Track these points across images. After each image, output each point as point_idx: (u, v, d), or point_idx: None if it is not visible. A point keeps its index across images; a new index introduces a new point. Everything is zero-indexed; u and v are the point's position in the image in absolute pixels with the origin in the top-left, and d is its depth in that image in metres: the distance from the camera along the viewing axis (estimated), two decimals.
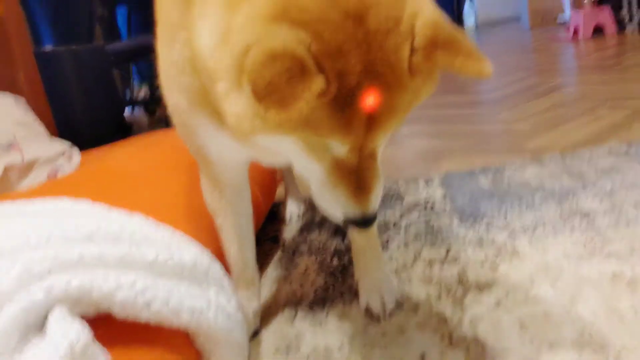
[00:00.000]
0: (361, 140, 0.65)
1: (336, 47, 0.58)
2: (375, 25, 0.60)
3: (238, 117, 0.61)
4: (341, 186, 0.71)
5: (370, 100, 0.61)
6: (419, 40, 0.61)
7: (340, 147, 0.66)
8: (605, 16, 4.74)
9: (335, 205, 0.72)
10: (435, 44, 0.61)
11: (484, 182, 1.60)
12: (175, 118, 0.87)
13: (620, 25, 4.69)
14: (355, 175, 0.70)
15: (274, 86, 0.54)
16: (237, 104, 0.61)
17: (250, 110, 0.59)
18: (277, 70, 0.54)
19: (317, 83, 0.56)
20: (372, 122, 0.63)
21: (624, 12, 4.62)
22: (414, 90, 0.64)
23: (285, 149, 0.68)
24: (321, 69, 0.57)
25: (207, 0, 0.68)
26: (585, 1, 4.86)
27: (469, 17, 8.28)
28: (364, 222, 0.72)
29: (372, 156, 0.70)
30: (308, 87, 0.55)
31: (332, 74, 0.58)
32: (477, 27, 8.36)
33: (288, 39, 0.56)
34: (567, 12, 5.55)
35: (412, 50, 0.61)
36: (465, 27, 8.33)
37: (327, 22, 0.58)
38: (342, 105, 0.60)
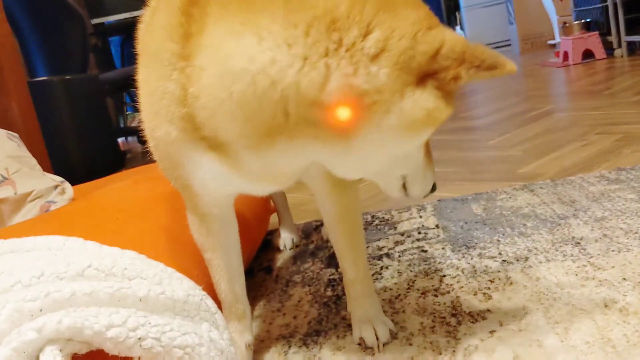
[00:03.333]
0: None
1: None
2: None
3: (432, 110, 0.71)
4: (430, 164, 0.89)
5: None
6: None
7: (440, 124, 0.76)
8: (594, 42, 4.81)
9: (428, 183, 0.89)
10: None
11: (477, 209, 1.61)
12: (159, 152, 0.87)
13: (609, 50, 4.76)
14: (428, 149, 0.88)
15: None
16: (425, 101, 0.70)
17: (443, 102, 0.72)
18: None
19: None
20: None
21: (612, 37, 4.69)
22: None
23: (413, 145, 0.80)
24: None
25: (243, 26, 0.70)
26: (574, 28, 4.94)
27: None
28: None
29: None
30: None
31: None
32: None
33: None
34: (557, 38, 5.62)
35: None
36: None
37: None
38: None
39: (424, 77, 0.70)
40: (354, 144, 0.72)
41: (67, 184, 1.41)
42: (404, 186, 0.88)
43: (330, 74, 0.68)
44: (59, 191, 1.36)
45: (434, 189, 0.92)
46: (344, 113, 0.70)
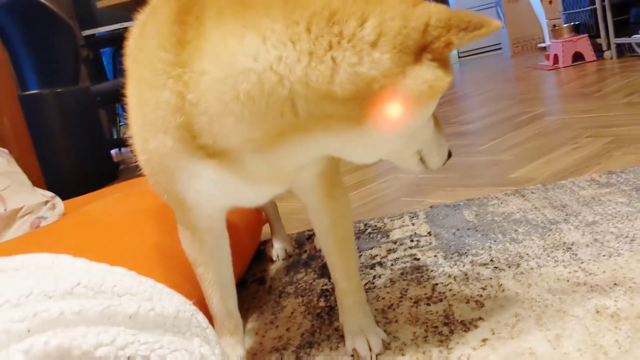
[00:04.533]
0: None
1: None
2: None
3: (434, 81, 0.73)
4: (440, 132, 0.92)
5: None
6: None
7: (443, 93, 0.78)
8: (583, 44, 4.83)
9: (443, 151, 0.94)
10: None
11: (468, 215, 1.61)
12: (151, 166, 0.86)
13: (599, 53, 4.78)
14: (436, 118, 0.91)
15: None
16: (425, 75, 0.73)
17: (441, 71, 0.74)
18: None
19: None
20: None
21: (602, 39, 4.71)
22: None
23: (422, 118, 0.82)
24: None
25: (246, 33, 0.71)
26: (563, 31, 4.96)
27: None
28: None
29: None
30: None
31: None
32: (459, 56, 8.48)
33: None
34: (547, 41, 5.64)
35: None
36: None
37: None
38: None
39: (420, 52, 0.73)
40: (367, 128, 0.75)
41: (57, 199, 1.41)
42: (422, 160, 0.93)
43: (338, 66, 0.70)
44: (49, 206, 1.36)
45: (449, 155, 0.96)
46: (354, 101, 0.72)
